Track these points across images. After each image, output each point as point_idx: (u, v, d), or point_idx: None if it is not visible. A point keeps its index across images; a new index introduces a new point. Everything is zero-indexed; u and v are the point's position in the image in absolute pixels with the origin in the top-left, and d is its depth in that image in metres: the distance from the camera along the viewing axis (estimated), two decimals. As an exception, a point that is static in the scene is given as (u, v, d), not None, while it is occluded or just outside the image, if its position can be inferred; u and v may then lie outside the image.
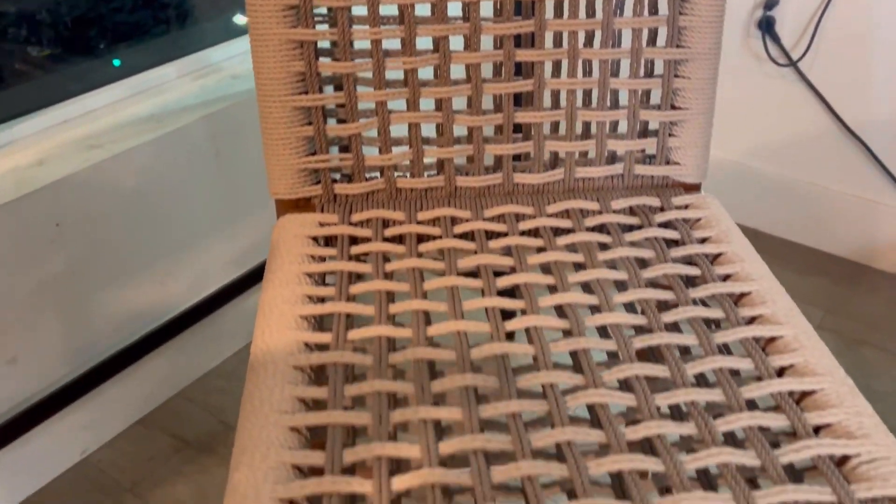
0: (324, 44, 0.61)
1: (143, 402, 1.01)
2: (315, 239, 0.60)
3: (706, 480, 0.43)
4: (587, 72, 0.64)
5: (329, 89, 0.62)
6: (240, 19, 1.11)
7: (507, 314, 0.53)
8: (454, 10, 0.61)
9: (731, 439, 0.45)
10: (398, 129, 0.64)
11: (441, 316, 0.53)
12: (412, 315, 0.52)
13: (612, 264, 0.58)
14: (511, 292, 0.56)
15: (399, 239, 0.61)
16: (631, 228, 0.62)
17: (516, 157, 0.66)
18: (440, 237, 0.60)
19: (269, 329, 0.50)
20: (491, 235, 0.62)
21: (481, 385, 0.47)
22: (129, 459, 0.96)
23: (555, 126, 0.66)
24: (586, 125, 0.65)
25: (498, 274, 0.57)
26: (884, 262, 1.27)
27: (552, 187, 0.65)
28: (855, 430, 0.43)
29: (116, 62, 0.97)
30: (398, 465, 0.43)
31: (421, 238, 0.61)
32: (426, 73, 0.63)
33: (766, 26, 1.21)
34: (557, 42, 0.63)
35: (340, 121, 0.63)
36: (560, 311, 0.54)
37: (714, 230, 0.61)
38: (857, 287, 1.24)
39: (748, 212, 1.36)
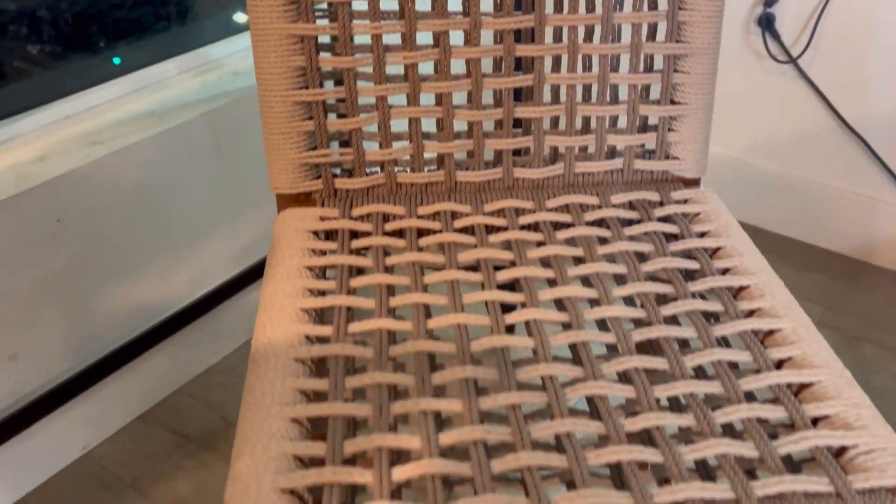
0: (324, 39, 0.61)
1: (143, 397, 1.01)
2: (316, 233, 0.60)
3: (705, 472, 0.44)
4: (587, 67, 0.64)
5: (329, 84, 0.62)
6: (240, 17, 1.11)
7: (507, 308, 0.53)
8: (454, 5, 0.61)
9: (729, 431, 0.45)
10: (398, 124, 0.64)
11: (441, 309, 0.53)
12: (412, 308, 0.53)
13: (611, 258, 0.58)
14: (511, 286, 0.56)
15: (399, 233, 0.61)
16: (630, 223, 0.62)
17: (516, 152, 0.67)
18: (440, 231, 0.61)
19: (270, 322, 0.50)
20: (491, 230, 0.62)
21: (481, 377, 0.47)
22: (130, 455, 0.96)
23: (555, 121, 0.66)
24: (586, 120, 0.65)
25: (498, 268, 0.57)
26: (883, 259, 1.28)
27: (552, 182, 0.66)
28: (853, 422, 0.43)
29: (116, 60, 0.97)
30: (398, 457, 0.43)
31: (421, 232, 0.61)
32: (426, 67, 0.64)
33: (766, 23, 1.21)
34: (557, 37, 0.63)
35: (341, 116, 0.63)
36: (560, 304, 0.54)
37: (713, 224, 0.61)
38: (857, 284, 1.25)
39: (748, 208, 1.36)
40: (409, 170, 0.65)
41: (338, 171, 0.65)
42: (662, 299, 0.54)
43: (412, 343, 0.49)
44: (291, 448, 0.42)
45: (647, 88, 0.65)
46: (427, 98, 0.63)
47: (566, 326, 0.52)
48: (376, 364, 0.48)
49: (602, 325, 0.52)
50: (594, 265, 0.56)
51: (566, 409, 0.45)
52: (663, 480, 0.42)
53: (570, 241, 0.60)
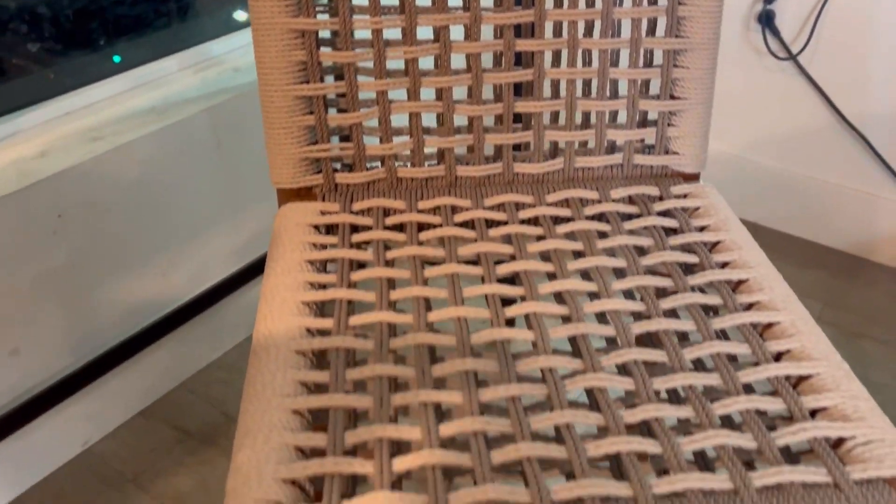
0: (325, 34, 0.62)
1: (144, 393, 1.02)
2: (316, 227, 0.60)
3: (703, 463, 0.44)
4: (587, 61, 0.65)
5: (330, 79, 0.63)
6: (240, 15, 1.11)
7: (507, 301, 0.54)
8: (454, 0, 0.62)
9: (728, 423, 0.46)
10: (399, 119, 0.64)
11: (441, 303, 0.53)
12: (413, 301, 0.53)
13: (611, 252, 0.58)
14: (511, 280, 0.56)
15: (400, 227, 0.61)
16: (630, 217, 0.62)
17: (516, 147, 0.67)
18: (440, 226, 0.61)
19: (271, 315, 0.51)
20: (491, 224, 0.62)
21: (481, 369, 0.47)
22: (131, 450, 0.96)
23: (554, 116, 0.66)
24: (586, 115, 0.66)
25: (498, 262, 0.57)
26: (883, 256, 1.28)
27: (552, 177, 0.66)
28: (851, 414, 0.44)
29: (117, 59, 0.97)
30: (399, 448, 0.43)
31: (421, 227, 0.61)
32: (426, 62, 0.64)
33: (766, 20, 1.21)
34: (557, 32, 0.63)
35: (341, 110, 0.64)
36: (559, 297, 0.54)
37: (712, 219, 0.61)
38: (856, 280, 1.25)
39: (748, 205, 1.36)
40: (409, 164, 0.65)
41: (338, 165, 0.66)
42: (662, 293, 0.55)
43: (412, 336, 0.49)
44: (293, 439, 0.42)
45: (646, 83, 0.65)
46: (427, 93, 0.63)
47: (566, 320, 0.52)
48: (377, 356, 0.48)
49: (601, 318, 0.53)
50: (594, 259, 0.57)
51: (566, 401, 0.45)
52: (662, 472, 0.42)
53: (570, 236, 0.60)
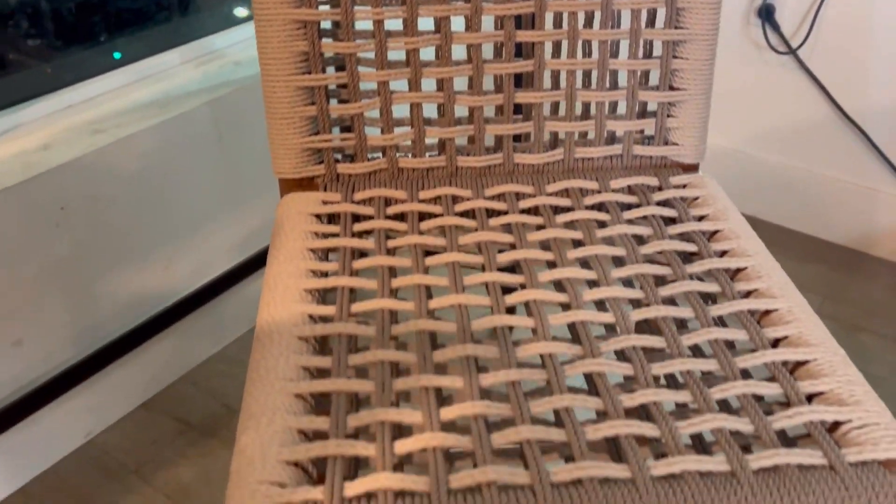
0: (326, 24, 0.62)
1: (146, 385, 1.02)
2: (318, 216, 0.61)
3: (701, 447, 0.44)
4: (587, 53, 0.65)
5: (332, 70, 0.63)
6: (241, 11, 1.12)
7: (507, 290, 0.54)
8: (455, -9, 0.62)
9: (725, 407, 0.46)
10: (400, 110, 0.65)
11: (442, 291, 0.54)
12: (414, 289, 0.53)
13: (610, 241, 0.59)
14: (511, 269, 0.57)
15: (401, 217, 0.62)
16: (629, 207, 0.63)
17: (517, 138, 0.67)
18: (441, 215, 0.61)
19: (273, 302, 0.51)
20: (491, 214, 0.63)
21: (482, 355, 0.48)
22: (134, 442, 0.97)
23: (555, 107, 0.67)
24: (586, 106, 0.66)
25: (498, 251, 0.58)
26: (882, 250, 1.28)
27: (552, 167, 0.66)
28: (847, 398, 0.44)
29: (117, 55, 0.98)
30: (400, 432, 0.43)
31: (422, 216, 0.62)
32: (427, 53, 0.64)
33: (766, 14, 1.21)
34: (557, 23, 0.64)
35: (343, 101, 0.64)
36: (559, 286, 0.55)
37: (711, 208, 0.62)
38: (856, 274, 1.25)
39: (747, 199, 1.37)
40: (410, 155, 0.66)
41: (339, 156, 0.66)
42: (661, 281, 0.55)
43: (414, 322, 0.50)
44: (296, 422, 0.42)
45: (646, 74, 0.66)
46: (428, 84, 0.63)
47: (565, 307, 0.52)
48: (378, 342, 0.48)
49: (601, 305, 0.53)
50: (593, 248, 0.57)
51: (565, 386, 0.46)
52: (660, 455, 0.43)
53: (570, 225, 0.60)
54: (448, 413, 0.43)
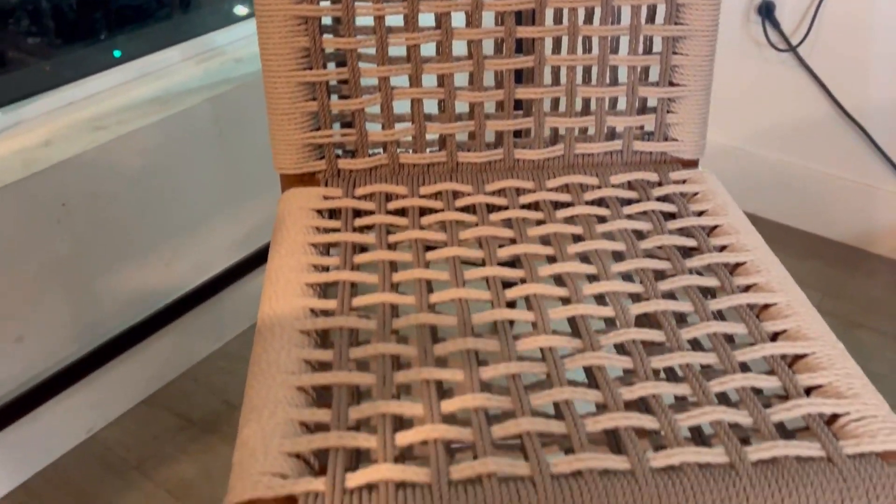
0: (327, 20, 0.62)
1: (147, 381, 1.03)
2: (320, 211, 0.61)
3: (700, 439, 0.45)
4: (587, 48, 0.65)
5: (333, 66, 0.63)
6: (241, 10, 1.12)
7: (508, 284, 0.54)
8: (456, -13, 0.62)
9: (724, 400, 0.46)
10: (400, 106, 0.65)
11: (443, 285, 0.54)
12: (415, 283, 0.54)
13: (610, 236, 0.59)
14: (511, 264, 0.57)
15: (402, 212, 0.62)
16: (629, 202, 0.63)
17: (517, 134, 0.67)
18: (442, 210, 0.62)
19: (275, 296, 0.51)
20: (492, 209, 0.63)
21: (482, 349, 0.48)
22: (135, 438, 0.97)
23: (555, 102, 0.67)
24: (586, 102, 0.66)
25: (498, 246, 0.58)
26: (882, 247, 1.28)
27: (552, 163, 0.67)
28: (845, 391, 0.44)
29: (117, 53, 0.98)
30: (401, 425, 0.44)
31: (423, 211, 0.62)
32: (428, 49, 0.64)
33: (766, 12, 1.22)
34: (558, 19, 0.64)
35: (344, 97, 0.64)
36: (559, 280, 0.55)
37: (711, 203, 0.62)
38: (855, 271, 1.25)
39: (747, 197, 1.37)
40: (411, 151, 0.66)
41: (340, 151, 0.66)
42: (660, 275, 0.55)
43: (414, 316, 0.50)
44: (297, 414, 0.43)
45: (646, 70, 0.66)
46: (429, 79, 0.64)
47: (565, 301, 0.53)
48: (379, 336, 0.49)
49: (601, 300, 0.53)
50: (593, 243, 0.57)
51: (565, 379, 0.46)
52: (659, 447, 0.43)
53: (570, 220, 0.61)
54: (449, 406, 0.44)
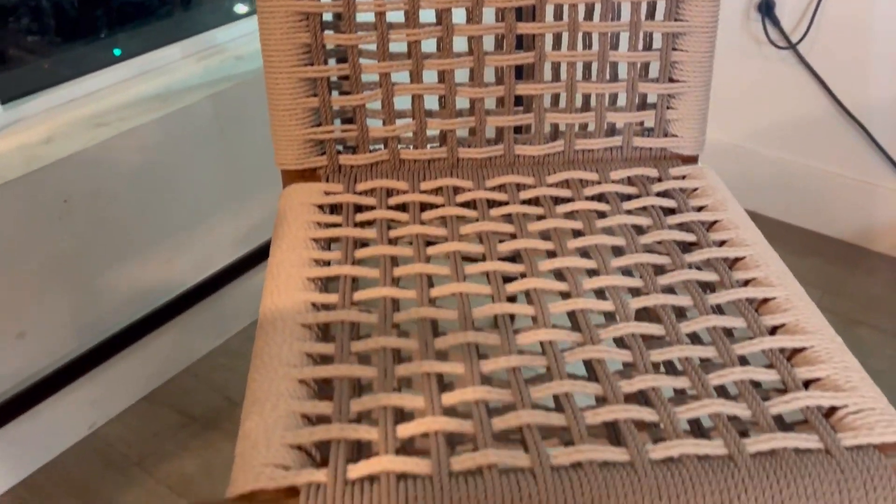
0: (328, 16, 0.62)
1: (149, 378, 1.03)
2: (321, 207, 0.61)
3: (699, 432, 0.45)
4: (587, 45, 0.65)
5: (334, 62, 0.64)
6: (241, 8, 1.12)
7: (508, 279, 0.54)
8: (456, -17, 0.62)
9: (723, 394, 0.46)
10: (401, 102, 0.65)
11: (443, 280, 0.54)
12: (416, 278, 0.54)
13: (610, 231, 0.59)
14: (512, 259, 0.57)
15: (402, 207, 0.62)
16: (629, 198, 0.63)
17: (517, 129, 0.68)
18: (443, 206, 0.62)
19: (277, 290, 0.52)
20: (492, 204, 0.63)
21: (483, 342, 0.48)
22: (136, 434, 0.98)
23: (555, 99, 0.67)
24: (586, 98, 0.66)
25: (499, 241, 0.58)
26: (882, 245, 1.29)
27: (552, 159, 0.67)
28: (843, 384, 0.45)
29: (117, 52, 0.98)
30: (402, 418, 0.44)
31: (424, 207, 0.62)
32: (429, 45, 0.65)
33: (766, 9, 1.22)
34: (558, 15, 0.64)
35: (344, 93, 0.64)
36: (559, 275, 0.55)
37: (710, 199, 0.62)
38: (855, 269, 1.26)
39: (747, 194, 1.37)
40: (411, 146, 0.66)
41: (341, 147, 0.67)
42: (660, 270, 0.56)
43: (415, 310, 0.50)
44: (299, 407, 0.43)
45: (646, 66, 0.66)
46: (429, 76, 0.64)
47: (565, 296, 0.53)
48: (380, 330, 0.49)
49: (600, 294, 0.54)
50: (593, 238, 0.57)
51: (565, 372, 0.46)
52: (659, 440, 0.43)
53: (570, 215, 0.61)
54: (449, 398, 0.44)
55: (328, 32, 0.62)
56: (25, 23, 0.92)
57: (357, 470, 0.40)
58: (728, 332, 0.50)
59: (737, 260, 0.56)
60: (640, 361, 0.47)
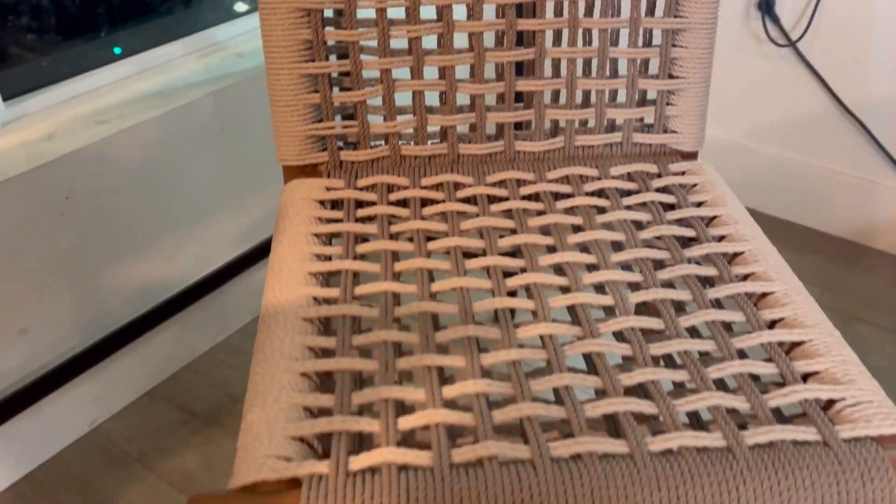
0: (329, 12, 0.63)
1: (150, 374, 1.03)
2: (322, 202, 0.62)
3: (698, 425, 0.45)
4: (587, 41, 0.66)
5: (335, 59, 0.64)
6: (241, 6, 1.13)
7: (508, 274, 0.55)
8: (457, -20, 0.63)
9: (722, 387, 0.47)
10: (402, 98, 0.65)
11: (444, 275, 0.54)
12: (416, 273, 0.54)
13: (609, 226, 0.60)
14: (512, 254, 0.57)
15: (403, 203, 0.63)
16: (629, 193, 0.64)
17: (517, 126, 0.68)
18: (443, 201, 0.62)
19: (279, 285, 0.52)
20: (493, 200, 0.63)
21: (483, 336, 0.48)
22: (137, 430, 0.98)
23: (555, 95, 0.67)
24: (586, 94, 0.67)
25: (499, 236, 0.58)
26: (881, 242, 1.29)
27: (552, 155, 0.67)
28: (841, 377, 0.45)
29: (117, 50, 0.99)
30: (403, 411, 0.44)
31: (424, 202, 0.63)
32: (430, 41, 0.65)
33: (766, 7, 1.22)
34: (558, 11, 0.64)
35: (345, 89, 0.65)
36: (559, 270, 0.55)
37: (710, 194, 0.62)
38: (855, 266, 1.26)
39: (747, 192, 1.37)
40: (412, 142, 0.66)
41: (342, 143, 0.67)
42: (659, 265, 0.56)
43: (416, 304, 0.51)
44: (301, 399, 0.43)
45: (645, 63, 0.66)
46: (430, 72, 0.64)
47: (565, 290, 0.53)
48: (382, 324, 0.49)
49: (600, 289, 0.54)
50: (593, 233, 0.58)
51: (565, 365, 0.47)
52: (658, 432, 0.43)
53: (570, 211, 0.61)
54: (450, 391, 0.44)
55: (329, 29, 0.62)
56: (26, 21, 0.92)
57: (358, 462, 0.40)
58: (727, 326, 0.51)
59: (736, 255, 0.56)
60: (639, 355, 0.47)
